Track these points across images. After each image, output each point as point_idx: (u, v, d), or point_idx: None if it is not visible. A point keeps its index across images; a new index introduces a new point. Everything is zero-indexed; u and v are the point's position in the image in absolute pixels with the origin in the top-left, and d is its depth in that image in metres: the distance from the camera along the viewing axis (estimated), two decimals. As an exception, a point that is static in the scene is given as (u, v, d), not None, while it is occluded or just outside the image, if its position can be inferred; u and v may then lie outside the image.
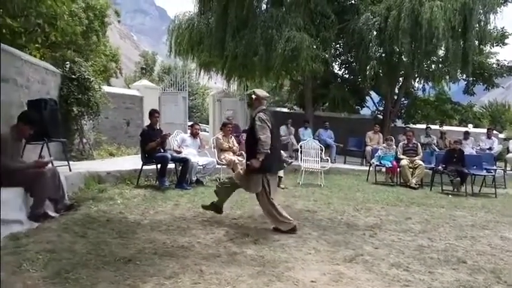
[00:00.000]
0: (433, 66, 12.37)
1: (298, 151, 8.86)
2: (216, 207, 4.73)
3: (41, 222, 4.04)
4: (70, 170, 5.77)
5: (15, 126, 4.37)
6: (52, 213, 4.31)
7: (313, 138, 9.99)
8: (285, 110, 15.68)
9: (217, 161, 7.45)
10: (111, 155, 9.40)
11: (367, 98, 14.27)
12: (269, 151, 4.25)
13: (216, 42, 10.33)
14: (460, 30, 9.83)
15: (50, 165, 4.70)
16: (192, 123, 9.51)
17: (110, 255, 3.28)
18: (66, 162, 5.91)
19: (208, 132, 15.47)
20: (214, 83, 13.81)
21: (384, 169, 8.95)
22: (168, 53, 12.56)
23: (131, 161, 7.81)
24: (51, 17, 7.46)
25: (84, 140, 8.43)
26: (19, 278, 2.72)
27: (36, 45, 8.27)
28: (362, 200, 6.62)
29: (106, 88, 10.91)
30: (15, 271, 2.83)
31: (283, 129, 11.48)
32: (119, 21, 15.33)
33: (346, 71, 13.87)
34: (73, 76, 8.13)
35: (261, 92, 4.60)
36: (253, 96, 4.49)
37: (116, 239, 3.71)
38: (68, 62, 8.44)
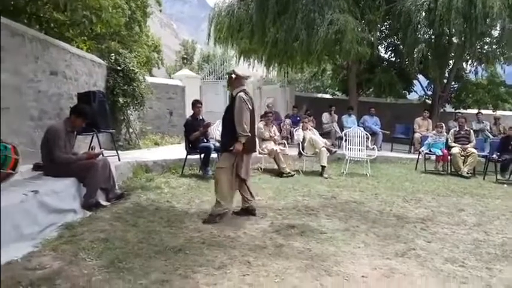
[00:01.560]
0: (486, 47, 11.53)
1: (342, 139, 8.63)
2: (247, 210, 4.51)
3: (93, 211, 4.22)
4: (119, 160, 5.96)
5: (68, 119, 4.54)
6: (104, 202, 4.49)
7: (358, 126, 9.68)
8: (327, 96, 15.32)
9: (258, 151, 7.42)
10: (156, 144, 9.66)
11: (415, 82, 13.57)
12: (249, 134, 4.14)
13: (257, 29, 10.19)
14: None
15: (100, 155, 4.87)
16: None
17: (161, 244, 3.35)
18: (115, 152, 6.12)
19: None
20: (256, 70, 13.72)
21: (433, 157, 8.52)
22: (207, 41, 12.60)
23: (175, 150, 7.97)
24: (97, 9, 7.67)
25: (131, 130, 8.70)
26: (76, 267, 2.84)
27: (83, 37, 8.55)
28: (411, 190, 6.34)
29: (149, 79, 11.16)
30: (72, 260, 2.95)
31: (325, 116, 11.24)
32: (160, 11, 15.50)
33: (393, 54, 13.21)
34: (118, 68, 8.36)
35: (242, 71, 4.41)
36: (233, 76, 4.25)
37: (165, 228, 3.79)
38: (113, 54, 8.68)
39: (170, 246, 3.31)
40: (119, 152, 6.40)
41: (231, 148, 4.11)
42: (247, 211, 4.45)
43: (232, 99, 4.23)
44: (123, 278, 2.71)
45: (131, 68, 8.51)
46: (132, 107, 8.60)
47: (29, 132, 5.30)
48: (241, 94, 4.13)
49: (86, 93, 5.94)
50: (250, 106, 4.15)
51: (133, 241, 3.39)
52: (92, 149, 5.00)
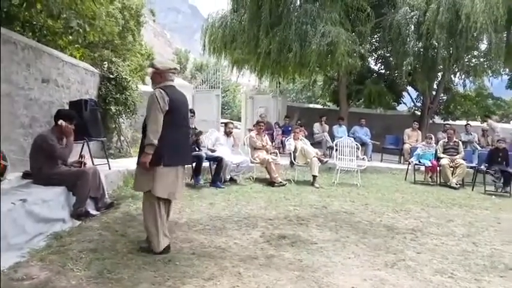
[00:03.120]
0: (473, 60, 11.80)
1: (333, 149, 8.69)
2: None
3: (82, 221, 4.17)
4: (109, 168, 5.92)
5: (55, 126, 4.48)
6: (93, 212, 4.43)
7: (348, 136, 9.78)
8: (318, 106, 15.45)
9: (250, 160, 7.44)
10: (147, 152, 9.59)
11: (404, 93, 13.80)
12: (161, 141, 3.25)
13: (249, 40, 10.30)
14: (502, 23, 9.30)
15: (91, 164, 4.83)
16: (226, 121, 9.55)
17: (150, 255, 3.32)
18: (105, 161, 6.07)
19: (240, 129, 15.52)
20: (248, 80, 13.81)
21: (423, 168, 8.63)
22: (201, 52, 12.65)
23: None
24: (90, 18, 7.69)
25: (122, 138, 8.66)
26: (64, 278, 2.80)
27: (76, 45, 8.54)
28: (401, 200, 6.41)
29: (142, 87, 11.14)
30: (60, 270, 2.92)
31: (316, 127, 11.33)
32: (154, 21, 15.58)
33: (382, 66, 13.47)
34: (111, 76, 8.34)
35: (162, 64, 3.55)
36: (149, 70, 3.51)
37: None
38: (105, 62, 8.67)
39: (159, 257, 3.28)
40: (110, 160, 6.36)
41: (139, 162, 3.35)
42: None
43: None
44: (112, 288, 2.68)
45: (124, 76, 8.50)
46: (124, 115, 8.57)
47: (18, 140, 5.25)
48: (156, 92, 3.33)
49: (77, 101, 5.91)
50: (163, 105, 3.28)
51: (123, 251, 3.36)
52: (82, 158, 4.96)
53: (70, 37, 7.69)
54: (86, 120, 5.60)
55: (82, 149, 5.54)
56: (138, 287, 2.73)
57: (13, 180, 4.08)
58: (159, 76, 3.45)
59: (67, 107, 5.94)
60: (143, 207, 3.46)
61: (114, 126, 8.44)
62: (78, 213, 4.21)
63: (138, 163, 3.39)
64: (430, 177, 8.51)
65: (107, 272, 2.92)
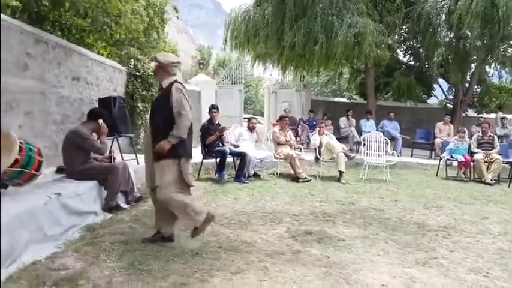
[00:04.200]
0: (510, 50, 11.28)
1: (360, 144, 8.52)
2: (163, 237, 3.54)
3: (113, 214, 4.29)
4: (138, 163, 6.03)
5: (86, 123, 4.61)
6: (123, 205, 4.55)
7: (377, 130, 9.56)
8: (344, 100, 15.20)
9: (274, 155, 7.41)
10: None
11: (435, 86, 13.36)
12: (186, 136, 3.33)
13: (273, 33, 10.22)
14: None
15: (120, 159, 4.95)
16: (249, 117, 9.54)
17: (179, 247, 3.39)
18: (134, 156, 6.19)
19: (262, 124, 15.51)
20: (270, 74, 13.75)
21: (455, 163, 8.34)
22: (223, 47, 12.67)
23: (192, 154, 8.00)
24: (116, 16, 7.83)
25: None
26: (97, 268, 2.89)
27: (103, 43, 8.73)
28: (432, 197, 6.21)
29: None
30: (94, 261, 3.01)
31: (343, 121, 11.15)
32: (177, 17, 15.68)
33: (412, 58, 13.07)
34: (137, 73, 8.49)
35: (165, 57, 3.51)
36: (153, 64, 3.51)
37: (183, 231, 3.79)
38: (132, 60, 8.82)
39: (188, 249, 3.33)
40: (138, 155, 6.48)
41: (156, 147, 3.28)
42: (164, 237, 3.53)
43: (163, 90, 3.41)
44: (143, 280, 2.74)
45: (150, 73, 8.63)
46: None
47: (51, 136, 5.43)
48: (178, 85, 3.33)
49: (106, 98, 6.04)
50: (189, 100, 3.34)
51: (152, 244, 3.42)
52: (111, 153, 5.08)
53: (97, 35, 7.88)
54: (115, 117, 5.71)
55: (112, 144, 5.67)
56: (168, 278, 2.78)
57: (48, 175, 4.22)
58: (162, 70, 3.42)
59: (96, 104, 6.09)
60: (168, 200, 3.33)
61: (141, 122, 8.59)
62: (109, 206, 4.33)
63: (156, 159, 3.32)
64: (464, 172, 8.21)
65: (138, 264, 2.98)
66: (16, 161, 3.20)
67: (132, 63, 8.69)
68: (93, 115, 4.60)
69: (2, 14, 4.60)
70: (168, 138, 3.23)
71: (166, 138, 3.24)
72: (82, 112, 6.32)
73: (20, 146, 3.23)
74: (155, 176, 3.34)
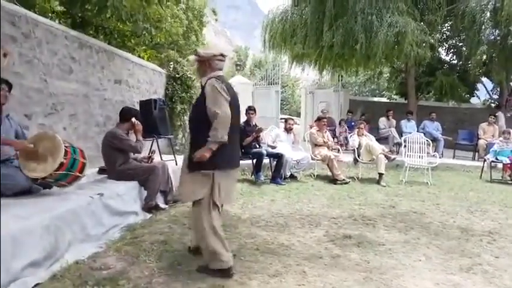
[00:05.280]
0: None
1: (400, 145, 8.26)
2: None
3: (153, 214, 4.38)
4: (176, 164, 6.16)
5: (120, 123, 4.64)
6: (162, 205, 4.65)
7: (418, 131, 9.24)
8: (384, 99, 14.82)
9: (311, 156, 7.32)
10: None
11: (479, 85, 12.76)
12: (226, 138, 2.79)
13: (311, 33, 10.15)
14: None
15: (159, 159, 5.06)
16: (286, 118, 9.51)
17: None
18: (172, 157, 6.34)
19: (299, 125, 15.39)
20: (307, 74, 13.62)
21: (500, 165, 7.94)
22: (261, 48, 12.71)
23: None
24: (157, 20, 8.07)
25: (187, 135, 9.00)
26: (138, 268, 2.95)
27: (143, 47, 9.03)
28: (476, 200, 5.92)
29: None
30: (134, 261, 3.08)
31: (382, 121, 10.87)
32: (216, 20, 15.93)
33: (454, 56, 12.59)
34: (177, 75, 8.70)
35: (206, 50, 3.10)
36: (192, 57, 3.06)
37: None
38: (171, 62, 9.06)
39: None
40: (176, 156, 6.63)
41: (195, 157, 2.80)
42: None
43: (202, 89, 2.94)
44: (182, 281, 2.78)
45: (188, 75, 8.82)
46: (189, 113, 8.90)
47: (94, 138, 5.67)
48: (213, 81, 2.85)
49: (147, 100, 6.22)
50: (228, 98, 2.84)
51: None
52: (152, 153, 5.22)
53: (138, 39, 8.15)
54: (155, 118, 5.88)
55: (152, 145, 5.83)
56: (206, 279, 2.80)
57: (90, 176, 4.38)
58: (204, 65, 2.97)
59: (137, 106, 6.29)
60: (196, 221, 2.94)
61: (179, 124, 8.81)
62: (149, 206, 4.44)
63: (189, 168, 2.89)
64: (509, 175, 7.79)
65: (177, 264, 3.03)
66: (61, 164, 3.29)
67: (172, 66, 8.93)
68: (125, 115, 4.59)
69: (47, 20, 4.85)
70: (207, 144, 2.77)
71: (204, 144, 2.79)
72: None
73: (65, 150, 3.33)
74: (184, 188, 2.98)
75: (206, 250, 2.89)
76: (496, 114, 10.87)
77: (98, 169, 4.84)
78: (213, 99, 2.79)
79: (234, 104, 2.94)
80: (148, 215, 4.34)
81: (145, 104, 6.07)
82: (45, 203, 3.21)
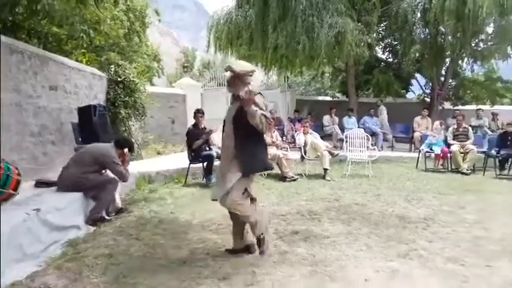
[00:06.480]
0: (481, 44, 11.71)
1: (343, 141, 8.65)
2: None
3: (96, 227, 4.19)
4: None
5: (115, 148, 4.64)
6: (107, 217, 4.48)
7: (358, 127, 9.71)
8: (328, 98, 15.36)
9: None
10: (158, 153, 9.70)
11: (413, 81, 13.68)
12: (258, 147, 3.34)
13: (257, 35, 10.29)
14: (508, 6, 9.18)
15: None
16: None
17: (165, 257, 3.36)
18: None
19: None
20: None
21: (433, 155, 8.55)
22: (206, 49, 12.66)
23: (178, 159, 7.99)
24: (95, 22, 7.75)
25: (133, 141, 8.72)
26: (81, 284, 2.84)
27: (82, 50, 8.63)
28: (413, 189, 6.36)
29: (150, 88, 11.21)
30: (77, 278, 2.95)
31: (326, 119, 11.28)
32: (159, 20, 15.56)
33: (390, 55, 13.38)
34: (119, 79, 8.41)
35: (240, 67, 3.34)
36: (229, 73, 3.29)
37: (169, 241, 3.79)
38: (112, 66, 8.73)
39: (174, 259, 3.31)
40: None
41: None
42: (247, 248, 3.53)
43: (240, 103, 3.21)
44: (128, 293, 2.72)
45: (132, 78, 8.57)
46: (133, 118, 8.65)
47: (29, 148, 5.34)
48: (259, 96, 3.29)
49: (85, 107, 5.98)
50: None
51: (137, 255, 3.40)
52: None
53: (76, 42, 7.78)
54: (96, 125, 5.67)
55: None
56: (151, 290, 2.76)
57: (26, 190, 4.12)
58: (238, 80, 3.27)
59: (76, 113, 6.02)
60: (250, 215, 3.33)
61: (124, 129, 8.53)
62: (94, 218, 4.26)
63: (245, 172, 3.25)
64: (441, 164, 8.44)
65: (122, 277, 2.95)
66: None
67: (113, 69, 8.60)
68: (122, 144, 4.71)
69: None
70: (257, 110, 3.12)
71: (251, 149, 3.24)
72: (61, 122, 6.24)
73: None
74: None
75: (260, 225, 3.36)
76: (379, 107, 11.58)
77: (35, 182, 4.56)
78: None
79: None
80: (92, 228, 4.15)
81: (84, 111, 5.83)
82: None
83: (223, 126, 3.44)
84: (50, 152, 5.92)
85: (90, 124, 5.54)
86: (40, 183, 4.46)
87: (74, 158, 4.53)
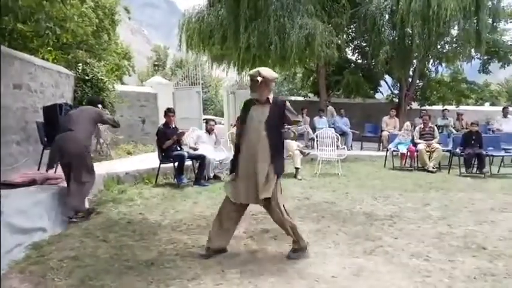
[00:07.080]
0: (446, 46, 12.14)
1: (314, 140, 8.79)
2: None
3: (62, 230, 4.11)
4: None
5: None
6: (74, 219, 4.39)
7: (329, 126, 9.89)
8: (300, 98, 15.54)
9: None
10: (128, 153, 9.50)
11: (382, 82, 14.05)
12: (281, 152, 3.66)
13: (229, 34, 10.28)
14: (472, 9, 9.58)
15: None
16: (206, 119, 9.52)
17: (133, 259, 3.33)
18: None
19: (223, 124, 15.47)
20: (226, 75, 13.74)
21: (399, 154, 8.83)
22: (178, 48, 12.55)
23: (149, 159, 7.89)
24: (61, 20, 7.52)
25: (101, 141, 8.54)
26: (45, 288, 2.79)
27: (48, 48, 8.35)
28: (380, 187, 6.55)
29: (120, 87, 10.99)
30: (41, 281, 2.89)
31: (298, 119, 11.39)
32: (129, 18, 15.26)
33: (359, 56, 13.67)
34: (86, 77, 8.22)
35: (269, 72, 3.49)
36: (259, 79, 3.38)
37: (138, 242, 3.76)
38: (80, 64, 8.51)
39: (142, 260, 3.29)
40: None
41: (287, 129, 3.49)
42: None
43: (277, 106, 3.50)
44: (94, 296, 2.69)
45: (100, 77, 8.38)
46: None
47: (-8, 149, 5.14)
48: (287, 103, 3.60)
49: (51, 106, 5.80)
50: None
51: (104, 257, 3.35)
52: None
53: (41, 40, 7.53)
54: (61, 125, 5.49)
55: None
56: (119, 292, 2.74)
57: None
58: (265, 85, 3.45)
59: (41, 113, 5.83)
60: (279, 213, 3.46)
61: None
62: (78, 209, 4.41)
63: (278, 173, 3.44)
64: (409, 163, 8.71)
65: (88, 280, 2.91)
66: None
67: (81, 67, 8.39)
68: (94, 102, 5.23)
69: None
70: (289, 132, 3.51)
71: (282, 152, 3.58)
72: (26, 121, 6.04)
73: None
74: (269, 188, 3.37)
75: (293, 230, 3.48)
76: (328, 107, 11.86)
77: (-3, 184, 4.40)
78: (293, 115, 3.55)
79: None
80: (58, 231, 4.06)
81: (50, 110, 5.66)
82: None
83: (240, 125, 3.63)
84: (15, 152, 5.72)
85: (56, 123, 5.37)
86: (4, 185, 4.30)
87: (74, 119, 4.64)
